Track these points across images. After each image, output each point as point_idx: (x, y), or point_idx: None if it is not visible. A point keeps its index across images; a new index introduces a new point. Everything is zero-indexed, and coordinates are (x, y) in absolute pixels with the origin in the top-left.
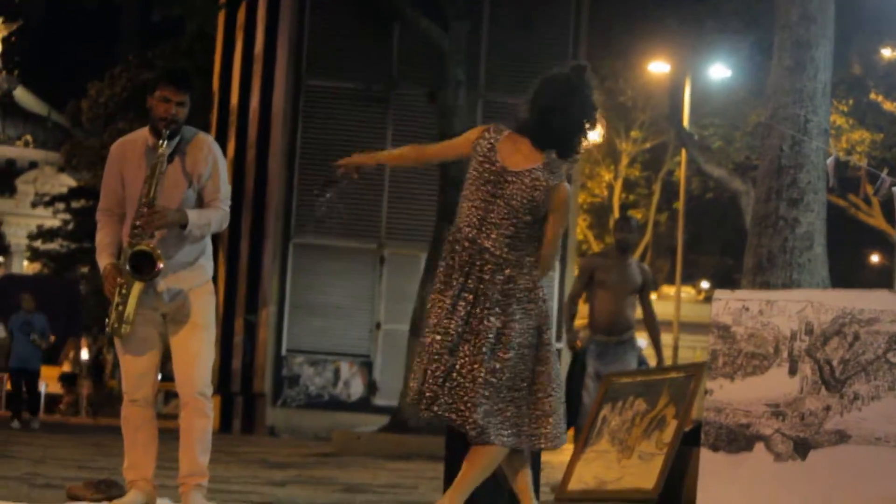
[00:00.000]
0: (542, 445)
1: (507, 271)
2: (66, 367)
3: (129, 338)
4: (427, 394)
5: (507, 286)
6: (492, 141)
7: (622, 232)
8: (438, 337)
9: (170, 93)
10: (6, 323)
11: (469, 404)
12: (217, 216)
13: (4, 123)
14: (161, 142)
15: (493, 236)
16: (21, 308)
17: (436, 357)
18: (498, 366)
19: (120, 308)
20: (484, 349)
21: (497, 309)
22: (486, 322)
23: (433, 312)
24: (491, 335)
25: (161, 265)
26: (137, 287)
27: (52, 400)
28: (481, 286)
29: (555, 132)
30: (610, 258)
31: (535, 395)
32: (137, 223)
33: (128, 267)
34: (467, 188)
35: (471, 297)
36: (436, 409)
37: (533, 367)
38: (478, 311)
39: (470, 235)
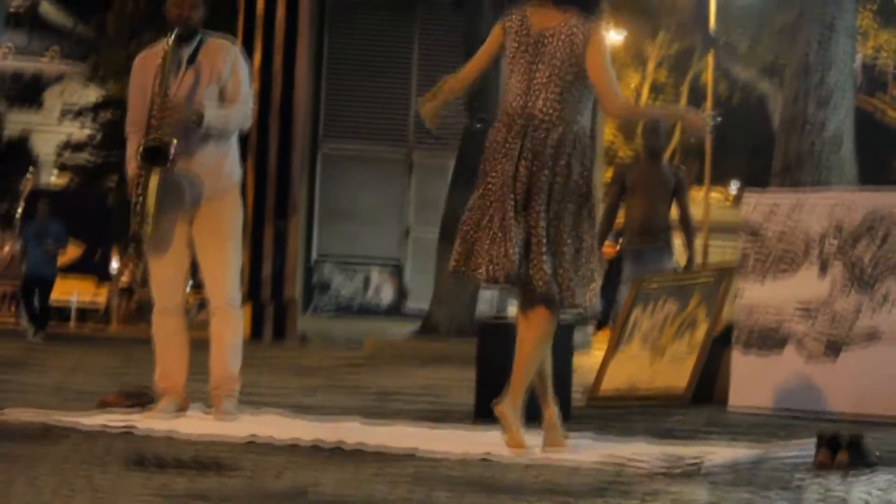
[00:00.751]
0: (590, 306)
1: (561, 130)
2: (126, 280)
3: (156, 244)
4: (513, 254)
5: (560, 145)
6: (519, 17)
7: (651, 137)
8: (511, 202)
9: None
10: (21, 232)
11: (540, 262)
12: (236, 114)
13: (30, 37)
14: (168, 36)
15: (542, 98)
16: (36, 216)
17: (513, 220)
18: (554, 221)
19: (139, 206)
20: (542, 206)
21: (553, 167)
22: (544, 180)
23: (492, 181)
24: (552, 192)
25: (174, 149)
26: (154, 181)
27: (84, 311)
28: (537, 147)
29: None
30: (642, 163)
31: (587, 256)
32: (153, 118)
33: (141, 157)
34: (508, 69)
35: (530, 155)
36: (513, 273)
37: (584, 229)
38: (536, 169)
39: (518, 104)
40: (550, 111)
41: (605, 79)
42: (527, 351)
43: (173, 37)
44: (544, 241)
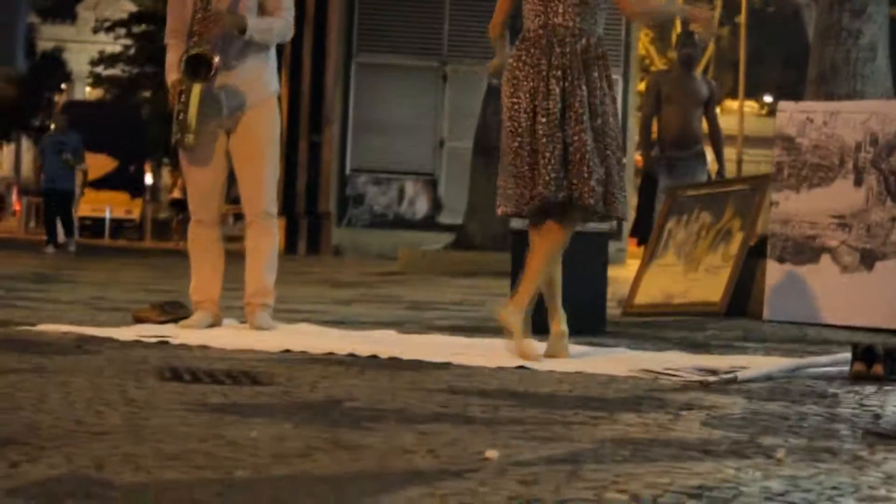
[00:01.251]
0: (623, 215)
1: (584, 41)
2: (177, 194)
3: (194, 155)
4: (552, 175)
5: (586, 55)
6: None
7: (685, 48)
8: (544, 119)
9: None
10: (38, 143)
11: (586, 175)
12: (279, 24)
13: None
14: None
15: (561, 10)
16: (55, 128)
17: (547, 138)
18: (595, 133)
19: (181, 116)
20: (585, 118)
21: (584, 78)
22: (578, 91)
23: (516, 101)
24: (585, 104)
25: (217, 60)
26: (196, 91)
27: (118, 225)
28: (564, 60)
29: None
30: (674, 74)
31: (619, 163)
32: (194, 29)
33: (184, 67)
34: None
35: (559, 72)
36: (560, 190)
37: (619, 140)
38: (568, 84)
39: (540, 21)
40: (571, 23)
41: None
42: (538, 261)
43: None
44: (588, 154)
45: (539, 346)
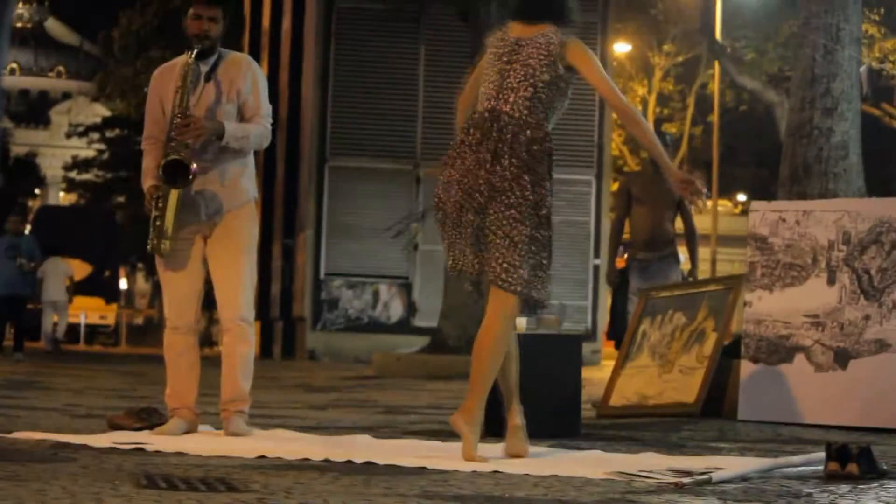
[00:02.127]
0: (541, 298)
1: (529, 133)
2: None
3: (171, 261)
4: (462, 258)
5: (531, 147)
6: (500, 31)
7: None
8: (465, 202)
9: (201, 9)
10: None
11: (513, 263)
12: (257, 131)
13: (36, 55)
14: (190, 52)
15: (511, 99)
16: (7, 231)
17: (464, 221)
18: (532, 223)
19: (158, 223)
20: (516, 207)
21: (524, 167)
22: (511, 180)
23: (449, 179)
24: (522, 193)
25: (195, 167)
26: (174, 198)
27: (92, 331)
28: (501, 146)
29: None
30: (646, 175)
31: (537, 249)
32: (172, 134)
33: (161, 173)
34: (483, 76)
35: (490, 156)
36: (467, 269)
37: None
38: (500, 168)
39: (489, 106)
40: (517, 114)
41: (599, 74)
42: (483, 358)
43: (195, 53)
44: (497, 237)
45: (495, 448)
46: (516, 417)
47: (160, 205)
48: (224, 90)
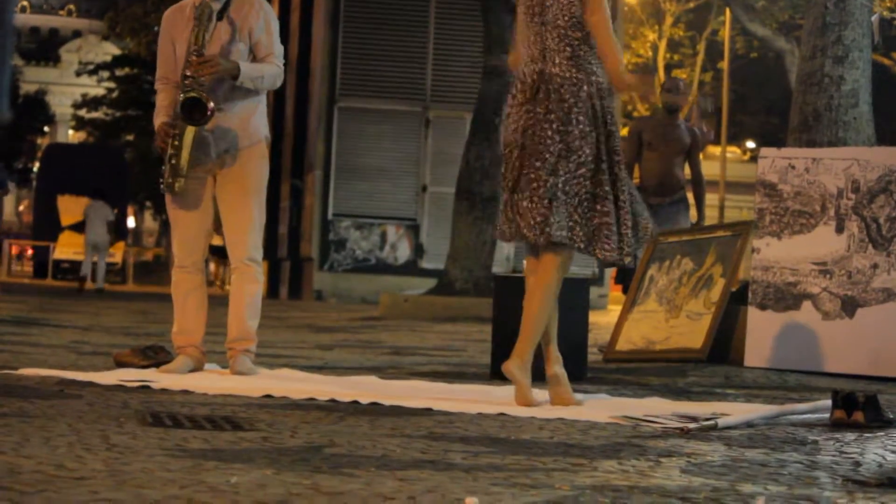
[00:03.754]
0: (608, 259)
1: (586, 88)
2: (218, 241)
3: (181, 200)
4: (537, 219)
5: (584, 103)
6: None
7: (669, 94)
8: (538, 163)
9: None
10: None
11: (577, 220)
12: (270, 70)
13: None
14: None
15: (557, 60)
16: None
17: (537, 182)
18: (602, 178)
19: (173, 161)
20: (584, 166)
21: (590, 125)
22: (582, 140)
23: (515, 143)
24: (588, 151)
25: (212, 105)
26: (190, 136)
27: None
28: (564, 106)
29: None
30: (657, 119)
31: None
32: (188, 72)
33: (179, 110)
34: (520, 32)
35: (555, 119)
36: (548, 230)
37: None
38: (564, 131)
39: (537, 69)
40: (568, 74)
41: (604, 48)
42: (535, 306)
43: None
44: (568, 196)
45: (539, 394)
46: (555, 366)
47: (175, 143)
48: (237, 29)
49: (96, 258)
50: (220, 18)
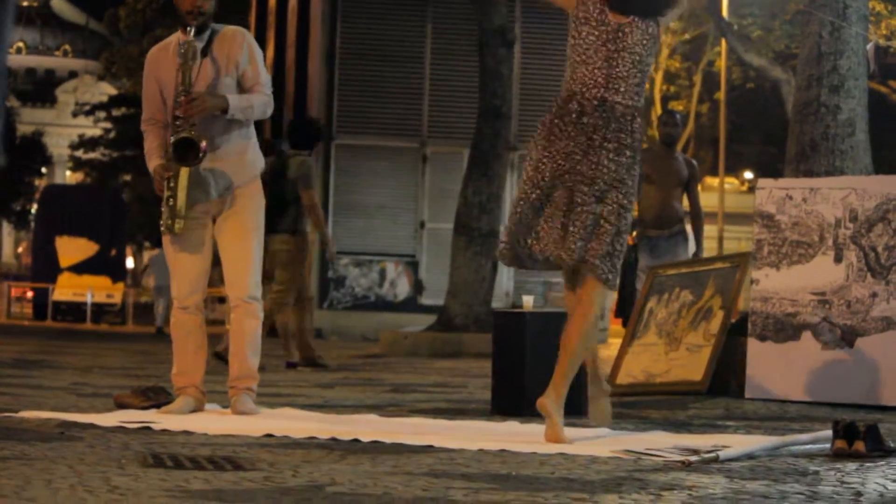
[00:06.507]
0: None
1: (639, 120)
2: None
3: (181, 241)
4: (578, 244)
5: (639, 135)
6: (597, 6)
7: (667, 126)
8: (585, 188)
9: None
10: None
11: (612, 253)
12: (259, 100)
13: (42, 33)
14: (188, 29)
15: (623, 89)
16: None
17: (581, 207)
18: (620, 207)
19: (171, 202)
20: (627, 197)
21: (636, 157)
22: (630, 171)
23: (556, 161)
24: (631, 183)
25: (205, 144)
26: (185, 176)
27: (99, 310)
28: (623, 136)
29: None
30: (655, 153)
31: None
32: (177, 113)
33: (172, 151)
34: (580, 54)
35: (612, 146)
36: (579, 259)
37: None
38: (624, 159)
39: (598, 95)
40: (630, 102)
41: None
42: (573, 343)
43: (192, 30)
44: (609, 223)
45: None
46: (603, 384)
47: (171, 184)
48: (222, 64)
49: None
50: (204, 55)
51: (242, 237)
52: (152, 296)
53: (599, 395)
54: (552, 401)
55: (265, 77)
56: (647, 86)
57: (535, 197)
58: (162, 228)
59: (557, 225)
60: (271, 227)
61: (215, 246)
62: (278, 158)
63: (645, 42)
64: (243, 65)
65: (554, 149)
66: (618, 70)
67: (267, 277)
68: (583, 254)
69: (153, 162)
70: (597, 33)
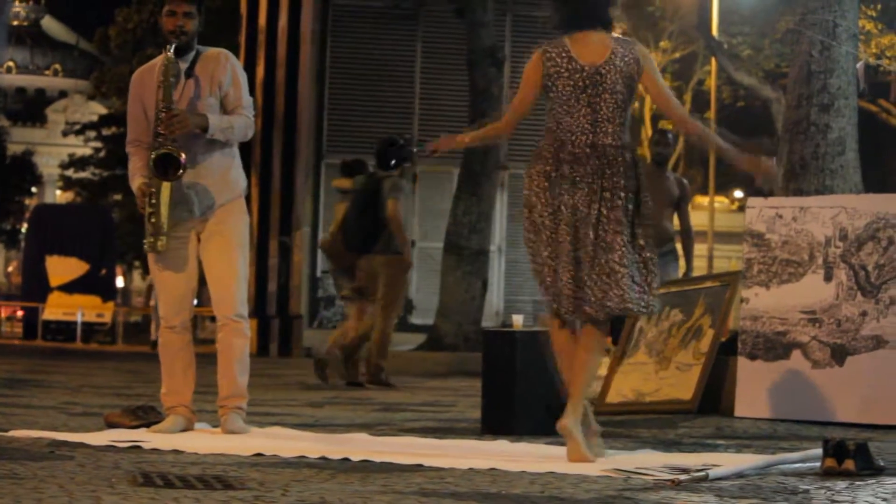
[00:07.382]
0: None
1: (628, 155)
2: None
3: (165, 260)
4: (598, 296)
5: (631, 169)
6: (562, 53)
7: (658, 146)
8: (616, 228)
9: (174, 5)
10: None
11: (623, 288)
12: (240, 122)
13: (33, 53)
14: (167, 49)
15: (610, 130)
16: None
17: (621, 252)
18: (640, 242)
19: (153, 220)
20: (632, 236)
21: (635, 195)
22: (623, 213)
23: (564, 211)
24: (628, 219)
25: (185, 158)
26: (167, 192)
27: (89, 329)
28: (615, 179)
29: (591, 4)
30: (646, 172)
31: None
32: (158, 130)
33: (152, 166)
34: (562, 105)
35: (608, 195)
36: (602, 310)
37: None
38: (612, 205)
39: (588, 141)
40: (618, 142)
41: (666, 94)
42: (582, 368)
43: (173, 48)
44: (620, 265)
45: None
46: (593, 423)
47: (153, 201)
48: (204, 85)
49: None
50: (188, 76)
51: (227, 254)
52: (153, 312)
53: (590, 435)
54: (572, 421)
55: (247, 100)
56: (637, 105)
57: (554, 251)
58: (146, 247)
59: (604, 277)
60: (368, 247)
61: (201, 266)
62: (370, 179)
63: (625, 82)
64: (226, 86)
65: (559, 202)
66: (602, 113)
67: (361, 295)
68: (603, 304)
69: (136, 181)
70: (573, 82)
